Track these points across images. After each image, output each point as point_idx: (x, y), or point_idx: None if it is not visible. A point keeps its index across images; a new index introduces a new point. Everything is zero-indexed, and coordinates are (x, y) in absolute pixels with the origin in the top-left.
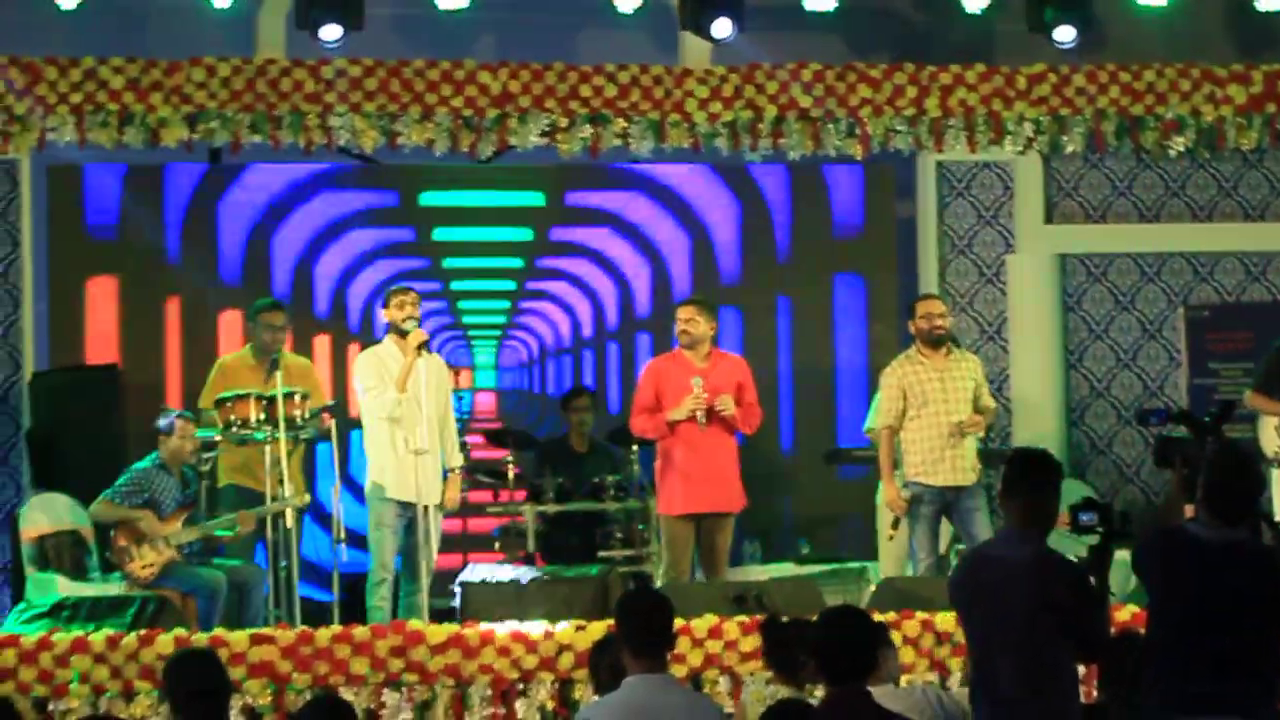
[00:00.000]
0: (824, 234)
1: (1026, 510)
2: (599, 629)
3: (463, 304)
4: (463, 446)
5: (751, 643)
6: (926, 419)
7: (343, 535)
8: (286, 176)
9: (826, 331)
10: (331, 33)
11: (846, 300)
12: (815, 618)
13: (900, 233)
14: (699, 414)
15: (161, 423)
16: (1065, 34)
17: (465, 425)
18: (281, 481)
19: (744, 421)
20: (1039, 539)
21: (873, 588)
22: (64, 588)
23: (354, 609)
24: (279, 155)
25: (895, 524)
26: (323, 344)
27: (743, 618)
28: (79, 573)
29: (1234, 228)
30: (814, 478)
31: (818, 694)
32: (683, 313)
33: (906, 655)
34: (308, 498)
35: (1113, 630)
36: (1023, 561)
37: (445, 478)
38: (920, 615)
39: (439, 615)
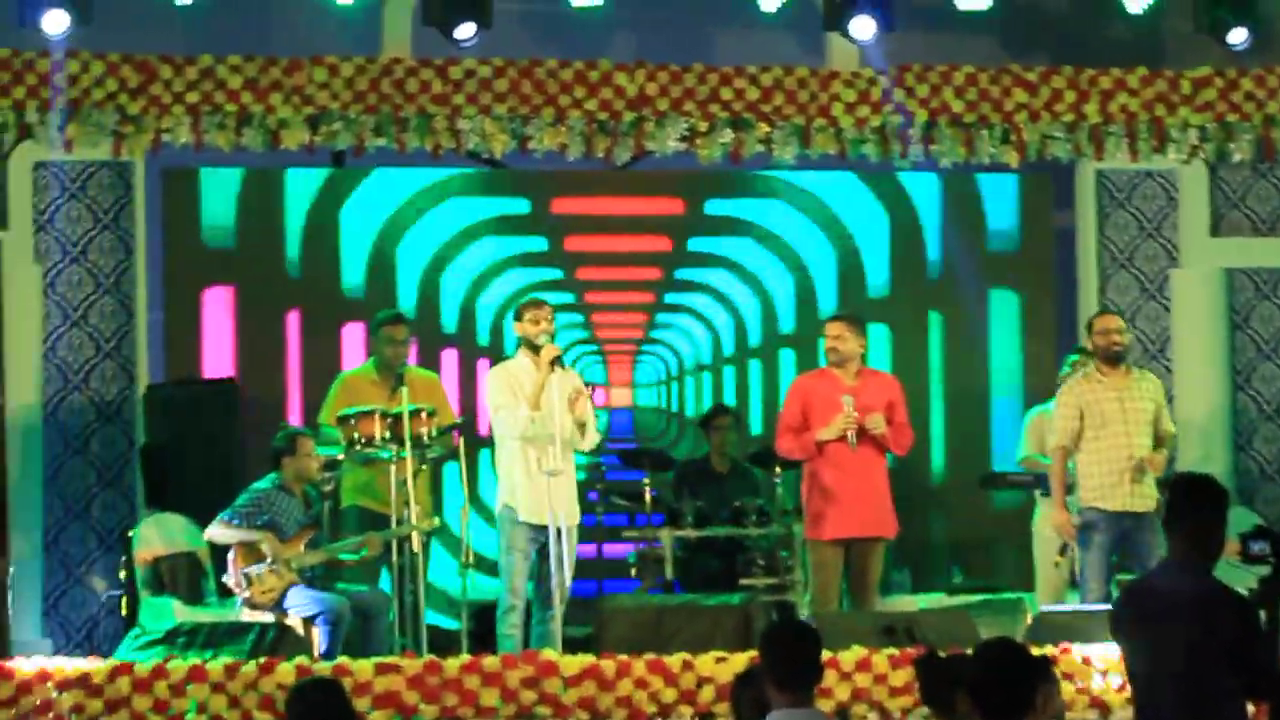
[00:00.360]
0: (978, 246)
1: (1191, 539)
2: (741, 661)
3: (597, 317)
4: (598, 468)
5: (902, 676)
6: (1105, 441)
7: (471, 560)
8: (413, 182)
9: (980, 349)
10: (465, 31)
11: (1001, 317)
12: (970, 651)
13: (1058, 246)
14: (850, 433)
15: (282, 441)
16: (1237, 36)
17: (600, 445)
18: (407, 503)
19: (895, 442)
20: (1204, 570)
21: (1029, 619)
22: (180, 613)
23: (484, 638)
24: (405, 159)
25: (1063, 550)
26: (450, 359)
27: (893, 650)
28: (195, 597)
29: None
30: (967, 503)
31: None
32: (831, 329)
33: (1065, 691)
34: (436, 521)
35: None
36: (1187, 594)
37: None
38: (1079, 649)
39: (573, 645)
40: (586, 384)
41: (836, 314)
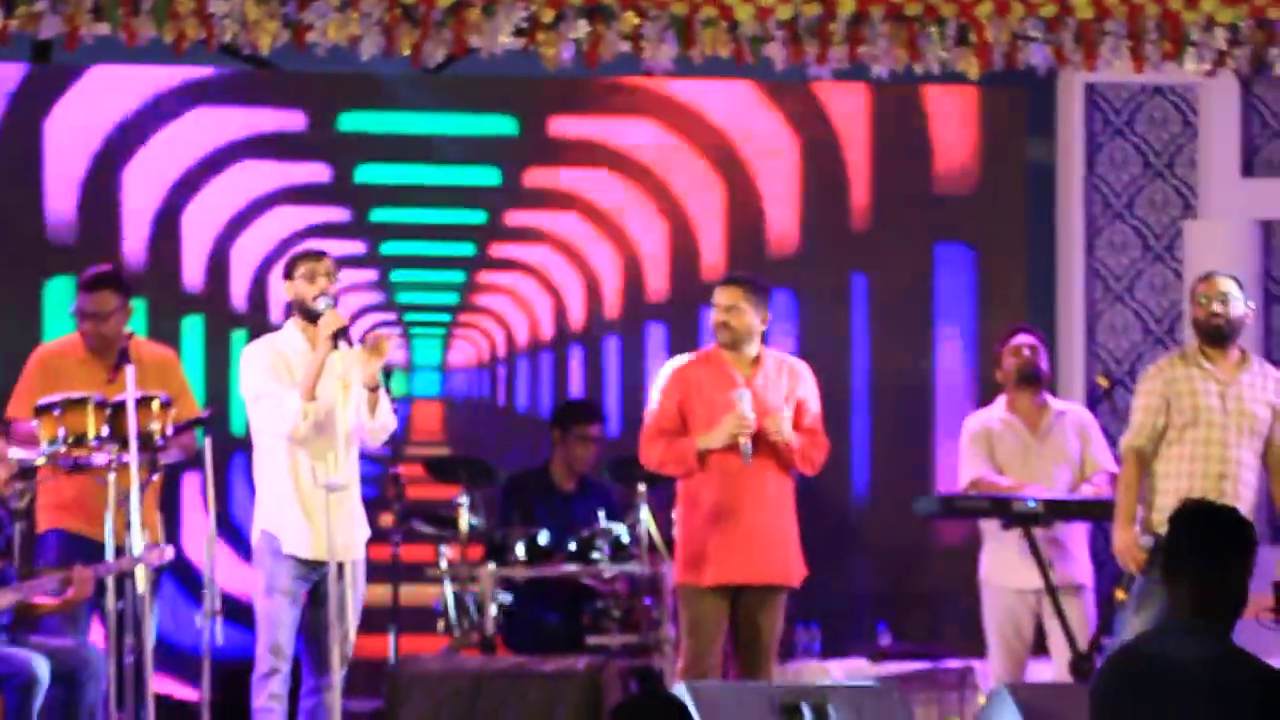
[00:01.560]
0: (920, 185)
1: (1202, 592)
2: None
3: (398, 275)
4: (395, 480)
5: None
6: (1193, 446)
7: (218, 605)
8: (146, 84)
9: (921, 325)
10: None
11: (951, 280)
12: None
13: (1031, 186)
14: (743, 441)
15: None
16: None
17: (399, 449)
18: (129, 526)
19: (803, 455)
20: (1221, 632)
21: (982, 698)
22: None
23: (233, 711)
24: (135, 55)
25: (1125, 584)
26: (193, 328)
27: None
28: None
29: None
30: (900, 537)
31: None
32: (722, 296)
33: None
34: (169, 551)
35: None
36: (1197, 662)
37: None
38: None
39: None
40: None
41: (728, 277)
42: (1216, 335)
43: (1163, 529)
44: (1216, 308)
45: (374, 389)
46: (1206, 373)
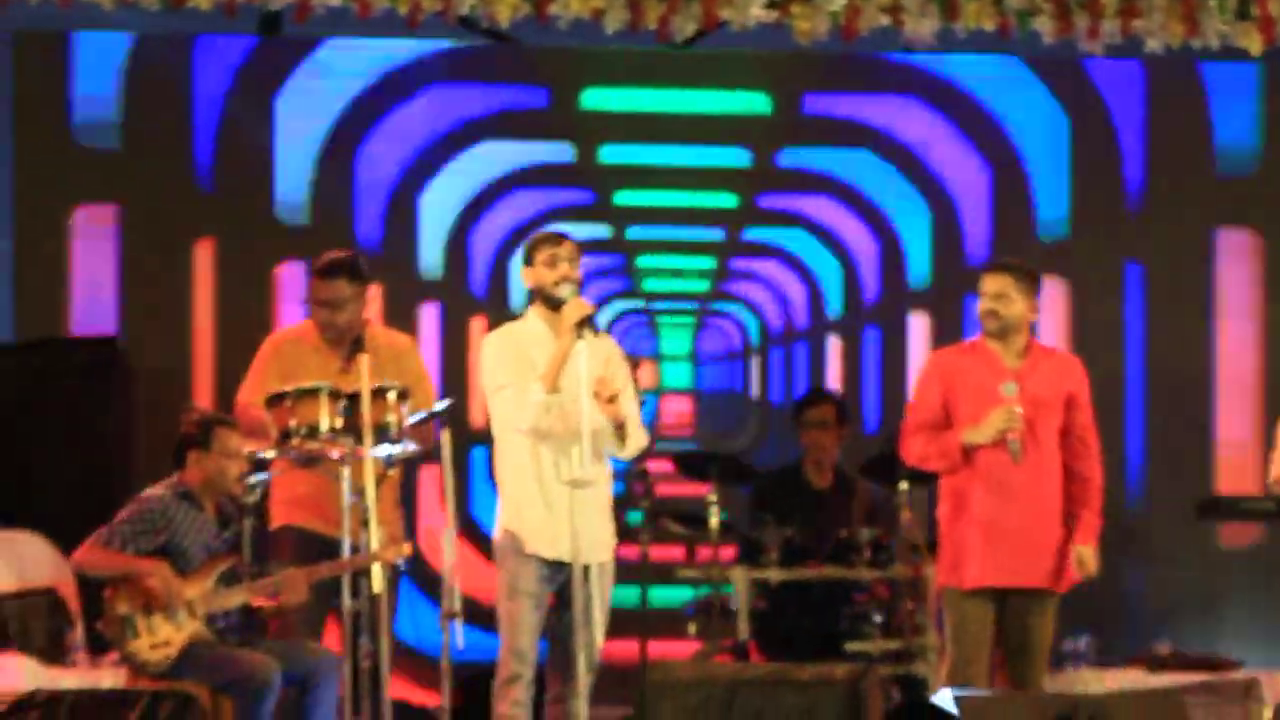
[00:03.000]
0: (1200, 167)
1: None
2: None
3: (644, 260)
4: (644, 477)
5: None
6: None
7: (458, 608)
8: (379, 59)
9: (1199, 316)
10: None
11: (1232, 268)
12: None
13: None
14: (1013, 439)
15: (193, 431)
16: None
17: (647, 449)
18: (365, 523)
19: (1076, 452)
20: None
21: (1268, 712)
22: (31, 676)
23: (474, 719)
24: (368, 27)
25: None
26: (430, 317)
27: None
28: (55, 653)
29: None
30: (1179, 541)
31: None
32: (990, 283)
33: None
34: (406, 548)
35: None
36: None
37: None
38: None
39: None
40: (628, 357)
41: (996, 263)
42: None
43: None
44: None
45: (619, 425)
46: None
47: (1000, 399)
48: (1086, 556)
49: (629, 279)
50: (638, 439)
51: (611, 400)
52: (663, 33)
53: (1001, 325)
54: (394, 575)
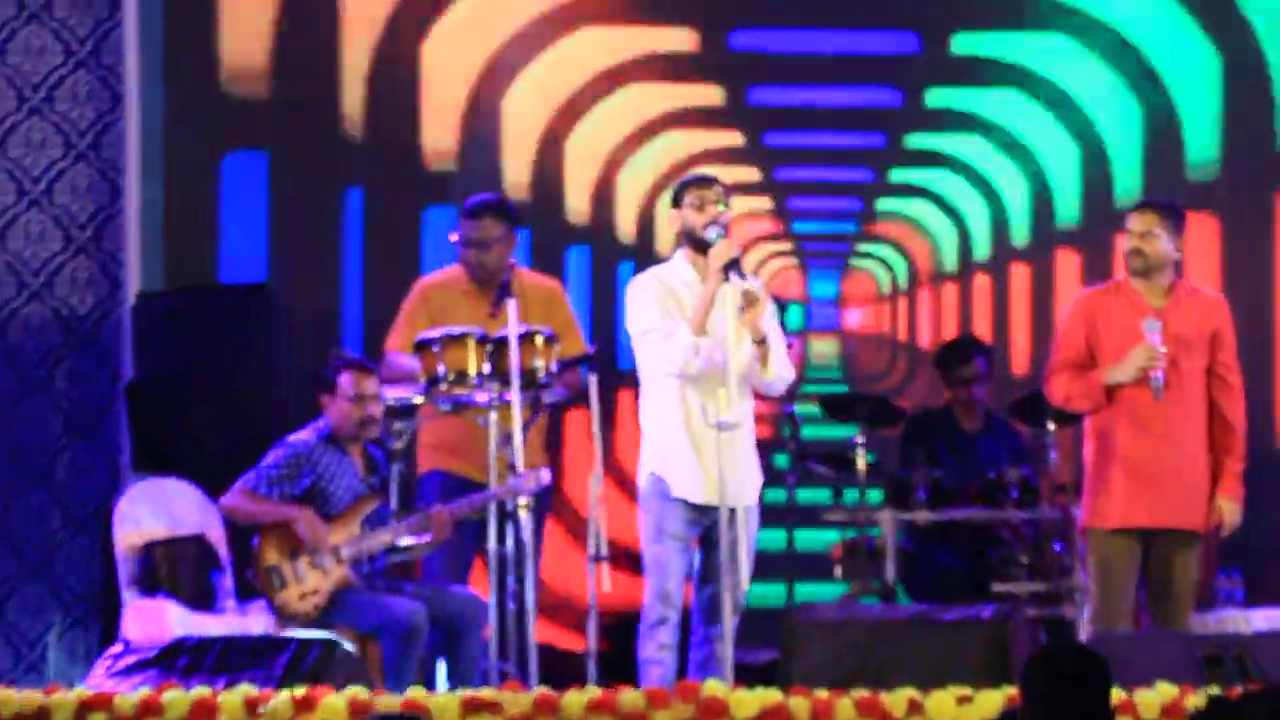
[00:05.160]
0: None
1: None
2: (993, 702)
3: (793, 203)
4: (790, 420)
5: None
6: None
7: (605, 551)
8: (526, 4)
9: None
10: None
11: None
12: None
13: None
14: (1155, 375)
15: (325, 375)
16: None
17: (794, 387)
18: (513, 468)
19: (1219, 391)
20: None
21: None
22: (181, 622)
23: (620, 662)
24: None
25: None
26: (579, 260)
27: (1216, 689)
28: (204, 600)
29: None
30: None
31: None
32: (1137, 221)
33: None
34: (546, 474)
35: None
36: None
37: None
38: None
39: (750, 674)
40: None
41: (1145, 201)
42: None
43: None
44: None
45: (761, 341)
46: None
47: (1141, 337)
48: (1229, 509)
49: (777, 221)
50: (782, 368)
51: (756, 335)
52: None
53: (1146, 264)
54: (539, 519)
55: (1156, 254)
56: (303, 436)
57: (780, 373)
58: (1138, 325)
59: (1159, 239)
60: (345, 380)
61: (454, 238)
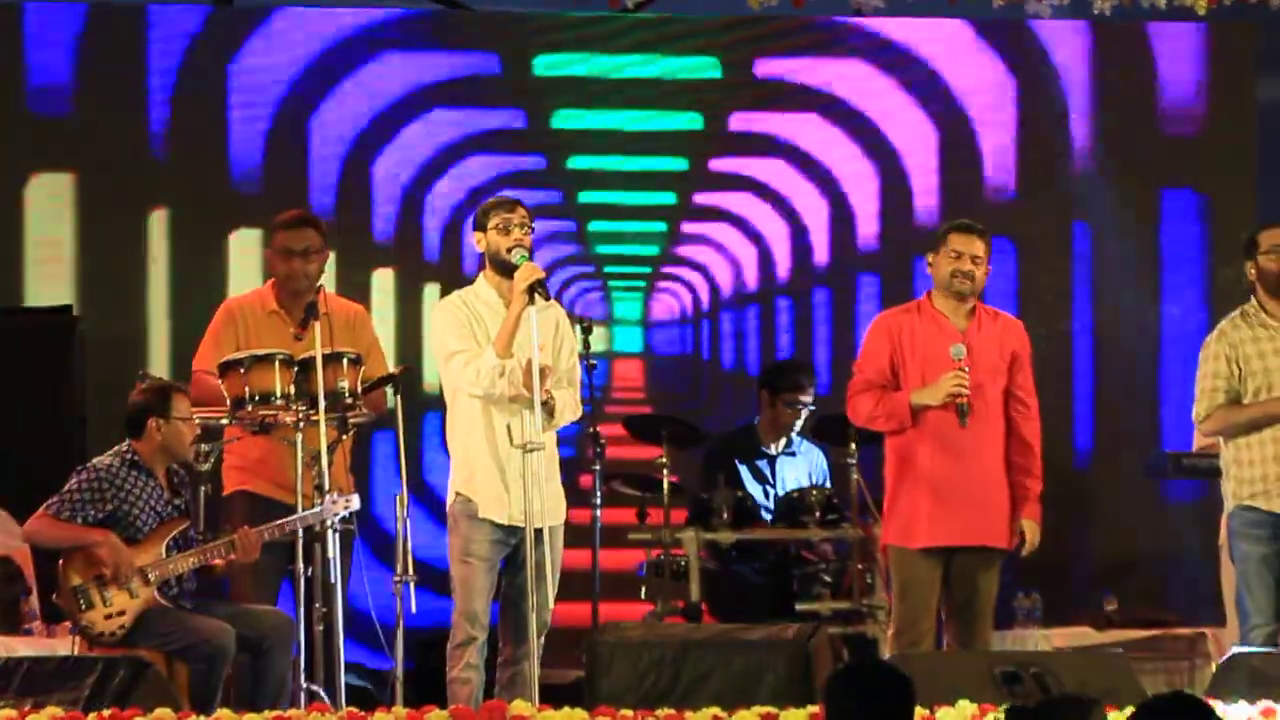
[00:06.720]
0: (1146, 126)
1: None
2: None
3: (596, 225)
4: (595, 441)
5: None
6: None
7: (411, 572)
8: (332, 27)
9: (1147, 276)
10: None
11: (1178, 228)
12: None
13: (1264, 128)
14: (961, 400)
15: (148, 398)
16: None
17: (598, 408)
18: (320, 488)
19: (1017, 413)
20: None
21: (1213, 666)
22: None
23: (427, 682)
24: None
25: None
26: (384, 281)
27: (1015, 705)
28: (10, 620)
29: None
30: (1125, 499)
31: None
32: (962, 241)
33: None
34: (355, 500)
35: None
36: None
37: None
38: None
39: (556, 694)
40: (577, 319)
41: (971, 225)
42: None
43: (1250, 502)
44: None
45: (545, 403)
46: (1273, 334)
47: (949, 361)
48: (1030, 530)
49: (581, 244)
50: (567, 416)
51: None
52: None
53: (974, 288)
54: (347, 540)
55: (982, 280)
56: (104, 460)
57: (566, 420)
58: (942, 347)
59: (984, 264)
60: (176, 404)
61: (271, 250)
